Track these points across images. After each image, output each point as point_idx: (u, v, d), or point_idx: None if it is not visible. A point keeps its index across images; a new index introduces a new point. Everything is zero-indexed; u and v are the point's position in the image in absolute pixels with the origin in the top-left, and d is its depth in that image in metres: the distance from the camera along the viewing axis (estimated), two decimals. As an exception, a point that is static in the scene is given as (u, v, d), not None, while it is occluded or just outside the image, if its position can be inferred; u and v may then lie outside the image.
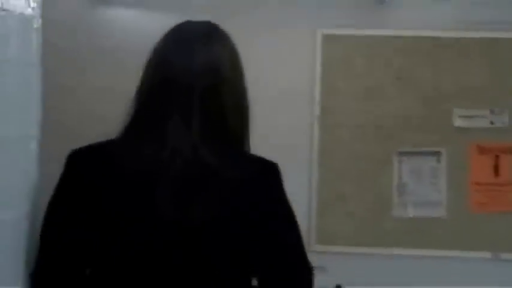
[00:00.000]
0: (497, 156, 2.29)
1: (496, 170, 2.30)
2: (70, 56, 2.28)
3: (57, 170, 1.19)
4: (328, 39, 2.32)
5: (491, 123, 2.29)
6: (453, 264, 2.27)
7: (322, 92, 2.31)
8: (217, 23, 1.28)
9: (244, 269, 1.19)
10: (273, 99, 2.29)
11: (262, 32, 2.31)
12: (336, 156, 2.31)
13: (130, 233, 1.15)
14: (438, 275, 2.26)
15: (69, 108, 2.26)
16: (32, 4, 1.19)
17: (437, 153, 2.30)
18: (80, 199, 1.15)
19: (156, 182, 1.14)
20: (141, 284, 1.15)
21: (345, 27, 2.32)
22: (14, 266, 1.15)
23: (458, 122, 2.29)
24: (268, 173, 1.22)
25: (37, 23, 1.21)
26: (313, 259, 1.23)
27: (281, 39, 2.32)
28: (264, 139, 2.29)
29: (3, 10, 1.08)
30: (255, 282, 1.21)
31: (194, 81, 1.18)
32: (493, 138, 2.30)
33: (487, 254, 2.27)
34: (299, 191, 2.26)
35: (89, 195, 1.15)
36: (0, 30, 1.09)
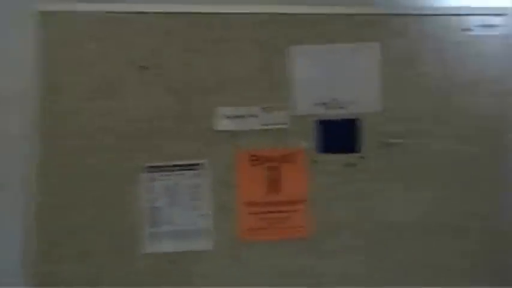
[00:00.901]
0: (274, 168, 1.76)
1: (274, 185, 1.76)
2: None
3: None
4: (46, 18, 1.71)
5: (265, 124, 1.76)
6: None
7: (41, 89, 1.70)
8: None
9: None
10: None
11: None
12: (62, 176, 1.70)
13: None
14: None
15: None
16: None
17: (197, 166, 1.74)
18: None
19: None
20: None
21: (68, 2, 1.72)
22: None
23: (222, 125, 1.74)
24: None
25: None
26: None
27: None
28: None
29: None
30: None
31: None
32: (268, 143, 1.76)
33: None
34: (11, 226, 1.65)
35: None
36: None
